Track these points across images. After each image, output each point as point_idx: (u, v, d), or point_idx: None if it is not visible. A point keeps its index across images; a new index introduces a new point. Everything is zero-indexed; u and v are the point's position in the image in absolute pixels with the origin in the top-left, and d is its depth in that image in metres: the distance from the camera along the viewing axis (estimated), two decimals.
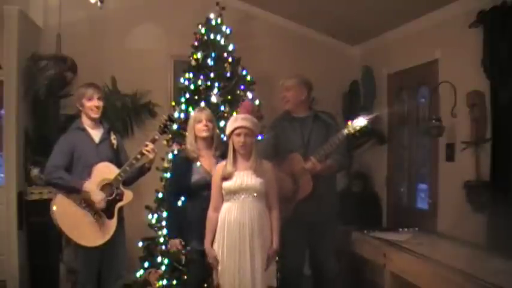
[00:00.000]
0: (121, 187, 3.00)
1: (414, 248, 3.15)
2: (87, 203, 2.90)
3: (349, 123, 2.93)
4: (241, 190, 2.73)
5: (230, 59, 3.95)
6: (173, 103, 4.08)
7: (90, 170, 2.92)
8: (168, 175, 3.66)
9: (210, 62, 3.88)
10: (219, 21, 4.00)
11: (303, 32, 5.02)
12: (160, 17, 4.57)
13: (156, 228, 3.76)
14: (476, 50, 3.24)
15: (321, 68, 4.67)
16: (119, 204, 2.99)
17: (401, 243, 3.30)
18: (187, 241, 2.97)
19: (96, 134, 3.07)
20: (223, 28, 4.01)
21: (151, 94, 4.59)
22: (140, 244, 3.88)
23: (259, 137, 3.19)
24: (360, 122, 2.89)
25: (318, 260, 3.28)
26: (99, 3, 3.84)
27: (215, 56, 3.90)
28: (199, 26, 3.98)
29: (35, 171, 3.94)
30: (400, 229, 3.80)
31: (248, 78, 4.00)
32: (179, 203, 3.08)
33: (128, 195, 3.03)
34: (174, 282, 3.56)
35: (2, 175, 4.10)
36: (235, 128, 2.74)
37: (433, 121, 3.52)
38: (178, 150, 3.45)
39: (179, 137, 3.69)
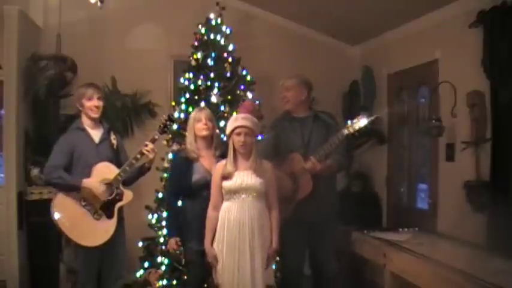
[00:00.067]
0: (121, 187, 3.00)
1: (414, 248, 3.15)
2: (88, 201, 2.90)
3: (349, 123, 2.92)
4: (241, 190, 2.73)
5: (230, 59, 3.95)
6: (173, 103, 4.08)
7: (90, 170, 2.92)
8: (168, 175, 3.66)
9: (210, 62, 3.88)
10: (219, 21, 4.00)
11: (303, 32, 5.02)
12: (160, 17, 4.57)
13: (156, 228, 3.76)
14: (476, 50, 3.24)
15: (321, 68, 4.67)
16: (119, 204, 2.99)
17: (401, 243, 3.30)
18: (186, 241, 2.96)
19: (96, 134, 3.07)
20: (223, 28, 4.01)
21: (151, 94, 4.59)
22: (140, 244, 3.88)
23: (260, 137, 3.20)
24: (360, 122, 2.89)
25: (318, 260, 3.28)
26: (99, 3, 3.84)
27: (215, 56, 3.90)
28: (199, 26, 3.98)
29: (35, 171, 3.94)
30: (400, 229, 3.80)
31: (248, 78, 4.00)
32: (179, 203, 3.08)
33: (127, 195, 3.03)
34: (174, 282, 3.56)
35: (2, 175, 4.09)
36: (236, 128, 2.75)
37: (433, 121, 3.52)
38: (178, 150, 3.44)
39: (179, 137, 3.68)
